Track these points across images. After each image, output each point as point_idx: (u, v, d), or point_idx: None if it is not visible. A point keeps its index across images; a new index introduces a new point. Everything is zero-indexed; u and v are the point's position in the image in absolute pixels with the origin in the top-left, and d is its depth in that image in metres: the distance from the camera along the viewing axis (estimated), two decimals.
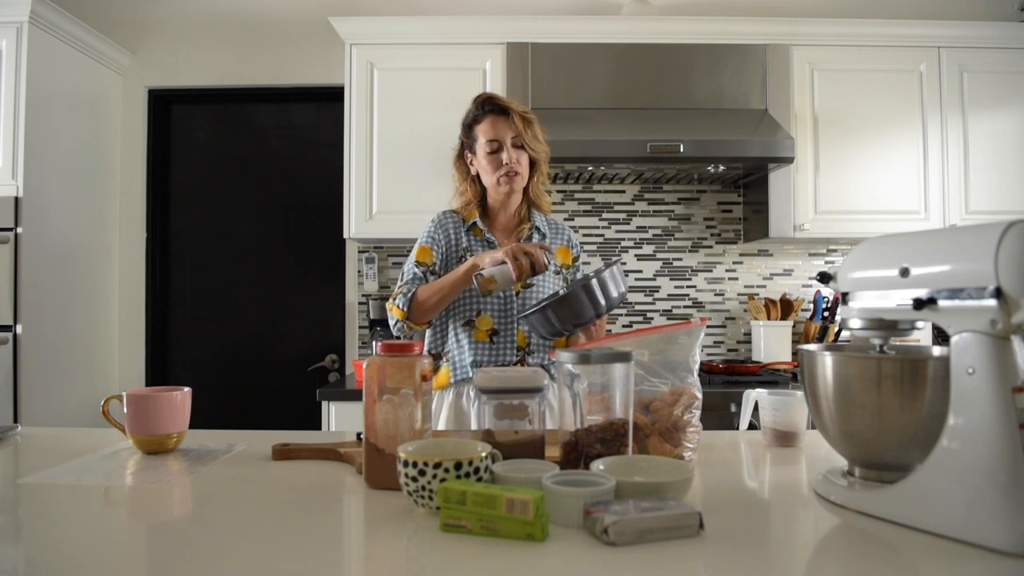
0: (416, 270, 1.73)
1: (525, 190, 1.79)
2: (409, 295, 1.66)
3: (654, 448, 1.07)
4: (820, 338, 1.78)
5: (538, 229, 1.81)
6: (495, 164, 1.70)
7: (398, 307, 1.67)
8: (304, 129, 3.19)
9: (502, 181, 1.71)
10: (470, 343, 1.70)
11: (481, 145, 1.72)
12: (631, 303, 3.12)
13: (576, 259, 1.87)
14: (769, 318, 2.99)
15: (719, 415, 2.36)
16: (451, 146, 2.69)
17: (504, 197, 1.76)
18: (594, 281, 1.43)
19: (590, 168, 2.77)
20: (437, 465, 0.84)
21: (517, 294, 1.71)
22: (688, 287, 3.13)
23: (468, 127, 1.76)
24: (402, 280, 1.74)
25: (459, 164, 1.82)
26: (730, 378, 2.57)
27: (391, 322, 1.70)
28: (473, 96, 1.77)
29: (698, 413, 1.11)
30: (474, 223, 1.77)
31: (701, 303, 3.14)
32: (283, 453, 1.18)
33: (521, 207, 1.82)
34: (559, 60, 2.74)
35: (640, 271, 3.13)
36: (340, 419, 2.48)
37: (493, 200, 1.79)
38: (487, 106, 1.72)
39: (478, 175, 1.77)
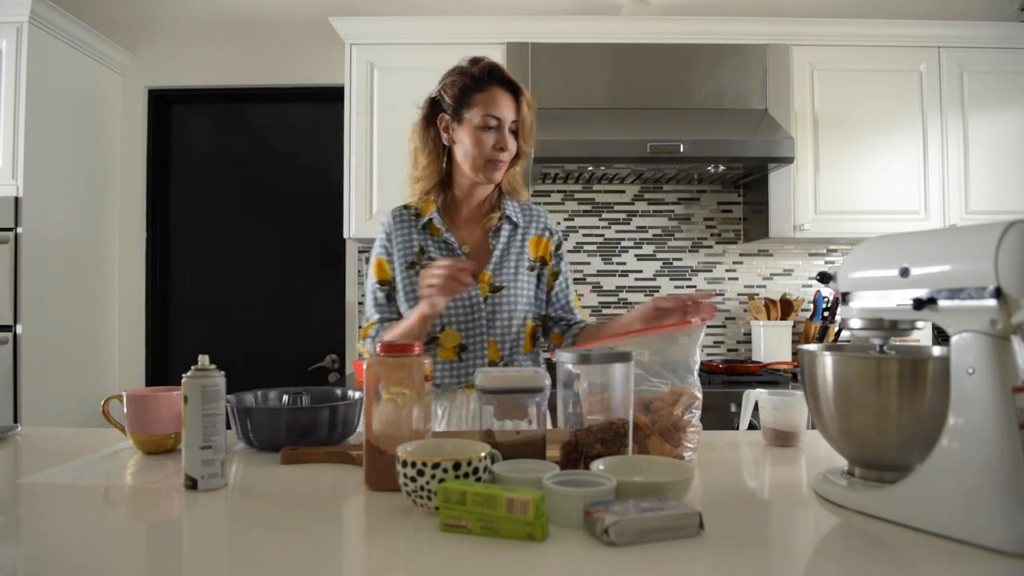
0: (378, 294, 1.53)
1: None
2: (378, 342, 1.45)
3: (654, 448, 1.07)
4: (820, 338, 1.78)
5: (509, 219, 1.55)
6: (485, 144, 1.44)
7: (369, 352, 1.49)
8: (304, 129, 3.19)
9: (486, 167, 1.46)
10: (435, 363, 1.48)
11: (476, 116, 1.44)
12: (631, 303, 3.12)
13: (558, 247, 1.61)
14: (769, 318, 2.99)
15: (719, 415, 2.36)
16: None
17: (474, 186, 1.52)
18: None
19: (590, 168, 2.77)
20: (436, 465, 0.84)
21: (485, 300, 1.49)
22: (688, 287, 3.13)
23: (463, 90, 1.47)
24: (368, 305, 1.56)
25: (426, 131, 1.52)
26: (730, 378, 2.57)
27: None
28: (470, 64, 1.50)
29: (698, 413, 1.11)
30: (430, 220, 1.52)
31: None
32: (291, 457, 1.16)
33: (491, 196, 1.57)
34: (559, 60, 2.74)
35: (640, 271, 3.13)
36: None
37: (460, 184, 1.53)
38: (495, 75, 1.47)
39: (450, 149, 1.51)
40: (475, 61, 1.50)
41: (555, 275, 1.61)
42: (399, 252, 1.52)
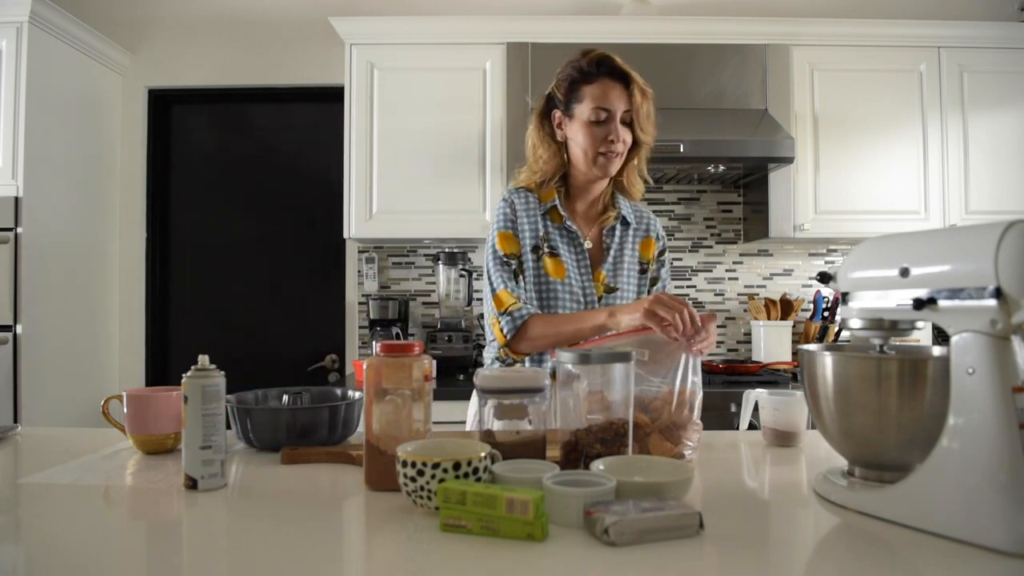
0: (507, 268, 1.46)
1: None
2: (520, 322, 1.40)
3: (654, 446, 1.07)
4: (820, 338, 1.78)
5: (624, 219, 1.54)
6: (597, 137, 1.42)
7: (502, 331, 1.42)
8: (304, 129, 3.19)
9: (599, 160, 1.43)
10: (547, 353, 1.47)
11: (585, 110, 1.42)
12: None
13: (662, 253, 1.60)
14: (769, 318, 2.99)
15: (719, 415, 2.35)
16: (451, 146, 2.63)
17: (590, 180, 1.49)
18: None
19: None
20: (436, 465, 0.84)
21: (600, 299, 1.47)
22: (688, 287, 3.13)
23: (572, 84, 1.46)
24: (495, 281, 1.46)
25: (541, 126, 1.51)
26: (730, 378, 2.56)
27: (488, 336, 1.51)
28: (580, 57, 1.47)
29: (699, 411, 1.12)
30: (553, 206, 1.49)
31: (701, 303, 3.13)
32: (291, 457, 1.15)
33: (605, 192, 1.55)
34: (559, 60, 2.71)
35: None
36: None
37: (577, 179, 1.51)
38: (603, 66, 1.43)
39: (565, 143, 1.49)
40: (585, 53, 1.46)
41: (654, 281, 1.59)
42: (527, 234, 1.48)
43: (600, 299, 1.48)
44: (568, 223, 1.49)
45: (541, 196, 1.51)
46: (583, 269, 1.49)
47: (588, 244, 1.51)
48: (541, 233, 1.48)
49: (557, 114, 1.49)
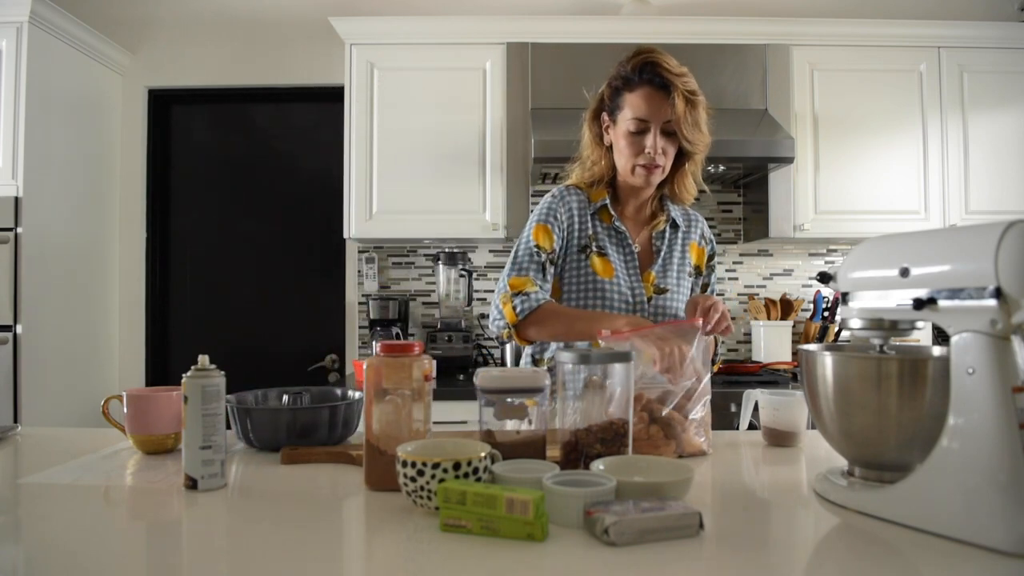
0: (541, 256, 1.42)
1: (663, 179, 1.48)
2: (535, 303, 1.38)
3: (688, 443, 1.15)
4: (820, 338, 1.78)
5: (673, 222, 1.52)
6: (635, 148, 1.39)
7: (513, 309, 1.39)
8: (304, 129, 3.19)
9: (637, 171, 1.41)
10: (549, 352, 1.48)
11: (624, 119, 1.40)
12: None
13: (712, 257, 1.58)
14: (769, 318, 2.99)
15: (719, 415, 2.33)
16: (451, 146, 2.62)
17: (634, 187, 1.47)
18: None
19: None
20: (436, 465, 0.84)
21: (649, 300, 1.45)
22: None
23: (616, 90, 1.42)
24: (517, 265, 1.43)
25: (592, 125, 1.49)
26: (730, 378, 2.56)
27: (493, 314, 1.44)
28: (627, 59, 1.40)
29: (700, 406, 1.19)
30: (603, 205, 1.48)
31: None
32: (291, 457, 1.15)
33: (654, 196, 1.52)
34: (559, 60, 2.74)
35: None
36: None
37: (623, 184, 1.49)
38: (646, 73, 1.37)
39: (611, 147, 1.47)
40: (634, 54, 1.40)
41: (704, 287, 1.58)
42: (575, 233, 1.46)
43: (650, 299, 1.45)
44: (617, 223, 1.47)
45: (592, 195, 1.50)
46: (631, 269, 1.46)
47: (637, 247, 1.49)
48: (590, 232, 1.46)
49: (605, 117, 1.47)
